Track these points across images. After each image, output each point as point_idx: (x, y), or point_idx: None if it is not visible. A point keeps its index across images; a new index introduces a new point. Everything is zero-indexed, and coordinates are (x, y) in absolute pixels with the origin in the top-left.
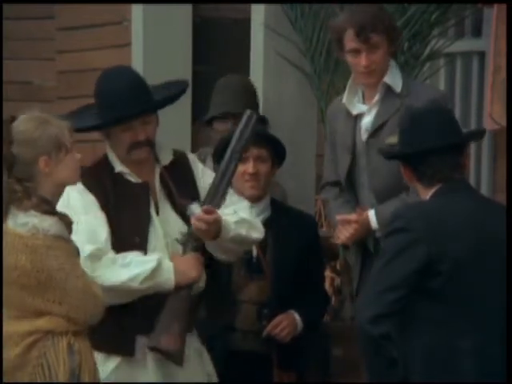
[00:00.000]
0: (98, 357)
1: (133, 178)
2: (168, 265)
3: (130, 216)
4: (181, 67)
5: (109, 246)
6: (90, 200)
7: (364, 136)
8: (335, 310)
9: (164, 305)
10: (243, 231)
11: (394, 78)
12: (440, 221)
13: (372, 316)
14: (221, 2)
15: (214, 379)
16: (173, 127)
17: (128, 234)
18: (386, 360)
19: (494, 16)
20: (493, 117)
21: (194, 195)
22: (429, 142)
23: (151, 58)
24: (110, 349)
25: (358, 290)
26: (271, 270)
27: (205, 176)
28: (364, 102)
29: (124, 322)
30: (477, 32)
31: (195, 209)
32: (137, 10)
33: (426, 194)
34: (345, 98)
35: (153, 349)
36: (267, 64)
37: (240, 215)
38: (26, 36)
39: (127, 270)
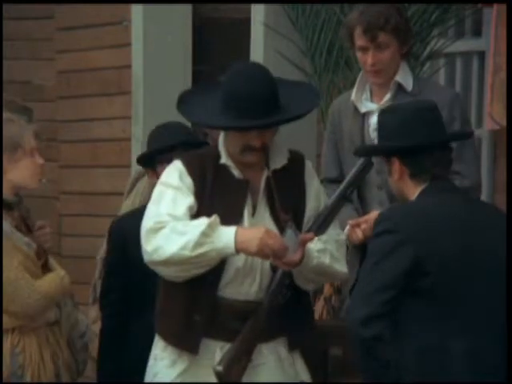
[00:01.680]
0: (165, 361)
1: (236, 173)
2: (229, 232)
3: (222, 209)
4: (181, 67)
5: (182, 219)
6: (187, 183)
7: (373, 134)
8: (335, 309)
9: (241, 326)
10: (326, 261)
11: (405, 77)
12: (427, 221)
13: (363, 318)
14: (221, 2)
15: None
16: None
17: None
18: (378, 361)
19: (493, 16)
20: (493, 117)
21: (299, 206)
22: (430, 137)
23: (151, 57)
24: (175, 343)
25: (351, 290)
26: None
27: (316, 192)
28: (372, 100)
29: (194, 320)
30: (477, 32)
31: (289, 237)
32: (137, 9)
33: (414, 191)
34: (353, 95)
35: (219, 374)
36: (267, 63)
37: (324, 245)
38: (25, 36)
39: (181, 238)
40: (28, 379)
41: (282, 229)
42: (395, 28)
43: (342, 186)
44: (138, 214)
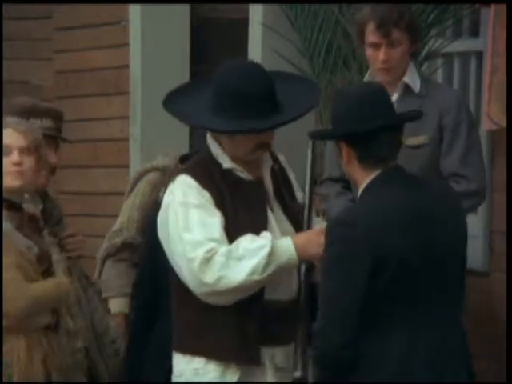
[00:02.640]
0: (212, 373)
1: (244, 175)
2: (287, 243)
3: (248, 215)
4: (179, 67)
5: (223, 240)
6: (206, 197)
7: None
8: None
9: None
10: None
11: (412, 78)
12: (383, 221)
13: (342, 341)
14: (219, 2)
15: None
16: (171, 127)
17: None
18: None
19: (491, 16)
20: (491, 117)
21: (293, 197)
22: (377, 121)
23: (149, 57)
24: (233, 357)
25: None
26: None
27: (296, 183)
28: None
29: (248, 332)
30: (474, 32)
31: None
32: (135, 9)
33: (364, 176)
34: None
35: (300, 380)
36: (265, 63)
37: None
38: (24, 36)
39: (243, 263)
40: (15, 379)
41: (292, 220)
42: (408, 25)
43: (308, 172)
44: None
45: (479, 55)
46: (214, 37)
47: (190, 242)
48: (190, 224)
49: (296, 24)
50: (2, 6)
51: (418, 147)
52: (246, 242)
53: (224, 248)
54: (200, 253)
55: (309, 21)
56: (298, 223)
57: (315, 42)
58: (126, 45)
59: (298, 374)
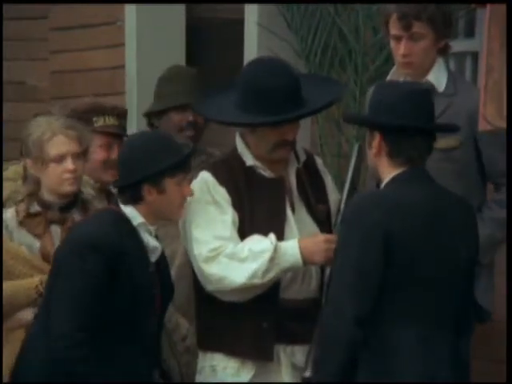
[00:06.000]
0: (228, 370)
1: (266, 173)
2: (293, 249)
3: (265, 213)
4: None
5: (232, 237)
6: (222, 193)
7: None
8: None
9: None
10: None
11: (437, 77)
12: (398, 213)
13: (357, 316)
14: (215, 2)
15: None
16: None
17: (263, 233)
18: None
19: (486, 16)
20: (486, 117)
21: (327, 199)
22: (414, 122)
23: (145, 58)
24: (248, 354)
25: None
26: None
27: (332, 186)
28: None
29: (263, 329)
30: (470, 33)
31: None
32: (130, 10)
33: (389, 171)
34: None
35: (309, 380)
36: None
37: None
38: (19, 36)
39: (245, 265)
40: None
41: (318, 221)
42: (431, 18)
43: (349, 177)
44: None
45: (475, 56)
46: (209, 37)
47: (196, 239)
48: (200, 221)
49: (292, 24)
50: (2, 6)
51: (449, 150)
52: (252, 242)
53: (230, 248)
54: (203, 251)
55: (305, 21)
56: (324, 224)
57: (311, 42)
58: (122, 45)
59: (307, 373)
